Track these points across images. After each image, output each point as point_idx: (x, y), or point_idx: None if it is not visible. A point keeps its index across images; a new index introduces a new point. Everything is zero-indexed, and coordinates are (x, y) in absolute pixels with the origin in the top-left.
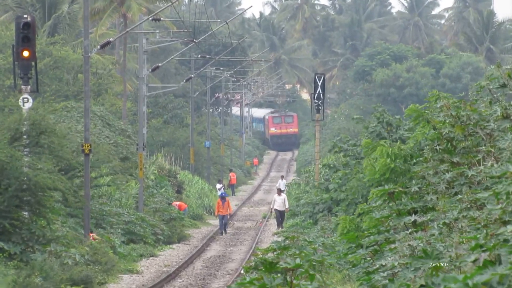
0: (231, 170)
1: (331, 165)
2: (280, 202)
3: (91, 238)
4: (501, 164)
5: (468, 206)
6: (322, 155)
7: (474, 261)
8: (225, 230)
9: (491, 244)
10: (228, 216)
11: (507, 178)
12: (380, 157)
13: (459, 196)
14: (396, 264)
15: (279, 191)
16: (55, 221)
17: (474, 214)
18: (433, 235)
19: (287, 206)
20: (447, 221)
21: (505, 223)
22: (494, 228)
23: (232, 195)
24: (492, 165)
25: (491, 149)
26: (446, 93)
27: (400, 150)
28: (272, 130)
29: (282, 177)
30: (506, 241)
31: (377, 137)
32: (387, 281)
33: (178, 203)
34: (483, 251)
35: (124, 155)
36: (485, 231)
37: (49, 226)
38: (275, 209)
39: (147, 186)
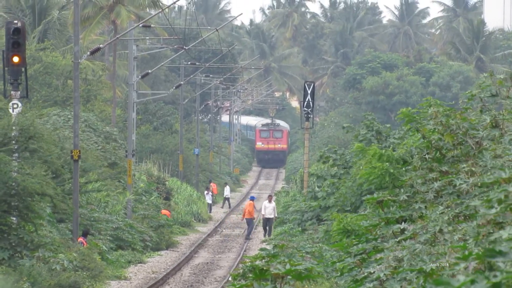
0: (210, 181)
1: (319, 174)
2: (270, 209)
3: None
4: (494, 172)
5: (451, 218)
6: (311, 163)
7: (464, 269)
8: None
9: (481, 253)
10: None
11: (498, 186)
12: (373, 158)
13: (442, 207)
14: (382, 275)
15: (270, 198)
16: (42, 226)
17: (455, 231)
18: (418, 247)
19: (276, 214)
20: (429, 235)
21: (498, 226)
22: (487, 230)
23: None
24: (480, 176)
25: (473, 168)
26: (438, 100)
27: (392, 154)
28: (259, 144)
29: (225, 184)
30: (492, 250)
31: (367, 145)
32: None
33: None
34: (473, 259)
35: (112, 161)
36: (477, 231)
37: (36, 231)
38: (264, 217)
39: (136, 193)
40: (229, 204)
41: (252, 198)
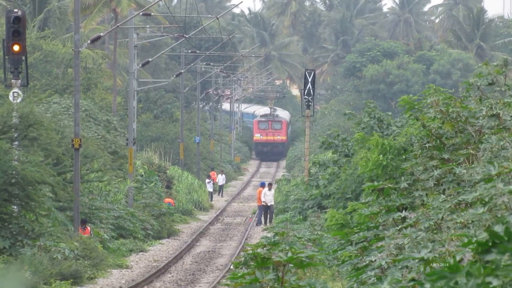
0: (212, 169)
1: (321, 162)
2: (270, 196)
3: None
4: (484, 166)
5: (453, 207)
6: (312, 151)
7: (460, 261)
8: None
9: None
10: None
11: (490, 181)
12: (374, 148)
13: (443, 196)
14: (383, 262)
15: (270, 186)
16: (45, 217)
17: (458, 218)
18: (420, 234)
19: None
20: (431, 222)
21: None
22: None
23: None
24: (474, 167)
25: (472, 151)
26: (441, 88)
27: (393, 144)
28: (257, 136)
29: (222, 171)
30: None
31: (369, 133)
32: (375, 279)
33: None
34: (467, 250)
35: (113, 149)
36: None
37: (37, 220)
38: (264, 204)
39: (137, 181)
40: (221, 192)
41: (263, 184)
